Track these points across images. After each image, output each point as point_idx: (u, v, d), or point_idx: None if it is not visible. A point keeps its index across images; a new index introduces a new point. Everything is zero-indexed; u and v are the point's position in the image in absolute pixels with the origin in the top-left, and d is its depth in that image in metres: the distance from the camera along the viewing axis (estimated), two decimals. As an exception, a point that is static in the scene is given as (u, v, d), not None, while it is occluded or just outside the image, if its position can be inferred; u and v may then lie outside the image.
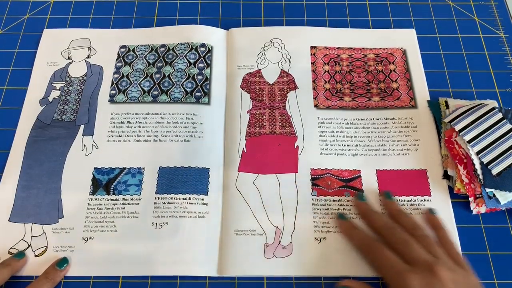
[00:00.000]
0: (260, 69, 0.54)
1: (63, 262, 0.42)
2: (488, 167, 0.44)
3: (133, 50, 0.56)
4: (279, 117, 0.51)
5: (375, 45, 0.56)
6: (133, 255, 0.43)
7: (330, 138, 0.50)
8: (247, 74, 0.54)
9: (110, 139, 0.50)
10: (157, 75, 0.54)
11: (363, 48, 0.55)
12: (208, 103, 0.52)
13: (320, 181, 0.47)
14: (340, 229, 0.44)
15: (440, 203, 0.46)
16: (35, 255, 0.44)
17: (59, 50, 0.56)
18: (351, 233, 0.42)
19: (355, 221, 0.44)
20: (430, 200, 0.46)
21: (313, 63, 0.54)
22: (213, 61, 0.54)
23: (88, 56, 0.56)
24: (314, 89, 0.53)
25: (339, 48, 0.55)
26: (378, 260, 0.38)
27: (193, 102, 0.52)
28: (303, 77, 0.53)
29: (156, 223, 0.45)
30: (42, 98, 0.53)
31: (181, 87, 0.53)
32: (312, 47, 0.55)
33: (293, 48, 0.56)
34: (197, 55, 0.55)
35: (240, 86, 0.53)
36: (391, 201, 0.44)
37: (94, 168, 0.48)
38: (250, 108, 0.51)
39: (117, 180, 0.48)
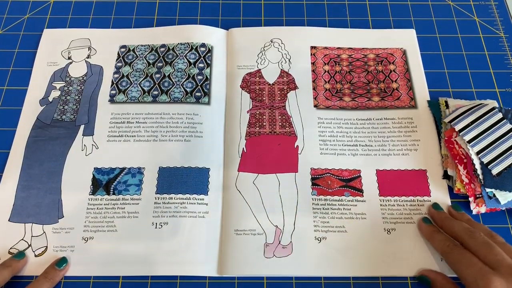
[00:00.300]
0: (260, 69, 0.54)
1: (62, 262, 0.42)
2: (488, 167, 0.44)
3: (133, 50, 0.56)
4: (279, 117, 0.51)
5: (375, 45, 0.56)
6: (133, 255, 0.43)
7: (330, 138, 0.50)
8: (247, 74, 0.54)
9: (110, 139, 0.50)
10: (157, 75, 0.54)
11: (363, 48, 0.55)
12: (208, 103, 0.52)
13: (320, 180, 0.47)
14: (422, 233, 0.44)
15: (440, 203, 0.46)
16: (35, 255, 0.44)
17: (59, 50, 0.56)
18: (433, 236, 0.42)
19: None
20: (430, 201, 0.46)
21: (313, 63, 0.54)
22: (213, 61, 0.54)
23: (88, 56, 0.56)
24: (314, 89, 0.53)
25: (339, 48, 0.55)
26: (459, 261, 0.38)
27: (193, 102, 0.52)
28: (303, 77, 0.53)
29: (156, 223, 0.45)
30: (42, 98, 0.53)
31: (181, 87, 0.53)
32: (312, 47, 0.55)
33: (293, 48, 0.55)
34: (197, 55, 0.55)
35: (240, 86, 0.53)
36: (463, 213, 0.44)
37: (94, 168, 0.48)
38: (250, 108, 0.51)
39: (117, 180, 0.48)
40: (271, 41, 0.56)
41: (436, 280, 0.40)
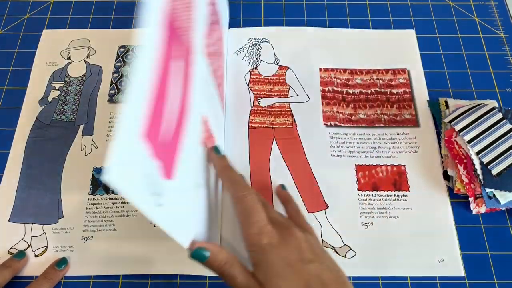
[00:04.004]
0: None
1: (62, 262, 0.42)
2: (488, 167, 0.44)
3: (132, 50, 0.56)
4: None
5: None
6: (133, 254, 0.43)
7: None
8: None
9: (109, 138, 0.50)
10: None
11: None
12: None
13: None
14: (213, 165, 0.40)
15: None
16: (35, 255, 0.44)
17: (58, 50, 0.56)
18: (224, 171, 0.39)
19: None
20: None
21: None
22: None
23: (88, 56, 0.56)
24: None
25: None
26: (245, 210, 0.36)
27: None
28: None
29: (156, 223, 0.45)
30: (42, 98, 0.53)
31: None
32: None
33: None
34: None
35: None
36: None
37: (94, 168, 0.48)
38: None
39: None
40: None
41: (213, 250, 0.34)
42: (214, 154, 0.40)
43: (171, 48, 0.30)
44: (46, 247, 0.44)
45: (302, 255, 0.34)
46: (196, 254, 0.33)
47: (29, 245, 0.44)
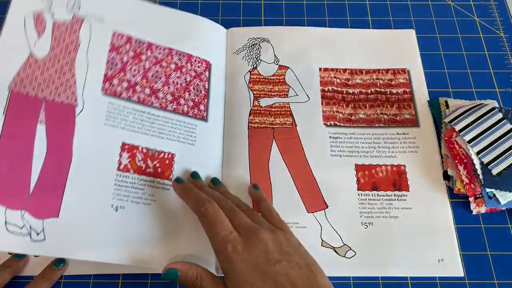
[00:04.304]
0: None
1: (60, 262, 0.42)
2: (488, 167, 0.44)
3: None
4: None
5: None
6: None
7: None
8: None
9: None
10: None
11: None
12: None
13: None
14: (176, 192, 0.43)
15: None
16: (34, 255, 0.44)
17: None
18: (188, 193, 0.41)
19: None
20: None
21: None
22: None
23: None
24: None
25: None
26: (216, 223, 0.37)
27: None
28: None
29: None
30: None
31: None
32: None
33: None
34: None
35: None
36: (218, 186, 0.45)
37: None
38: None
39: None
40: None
41: (183, 270, 0.37)
42: (174, 183, 0.44)
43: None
44: None
45: (269, 256, 0.35)
46: (167, 275, 0.36)
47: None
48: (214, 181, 0.46)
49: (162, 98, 0.49)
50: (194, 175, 0.45)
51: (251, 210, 0.42)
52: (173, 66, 0.51)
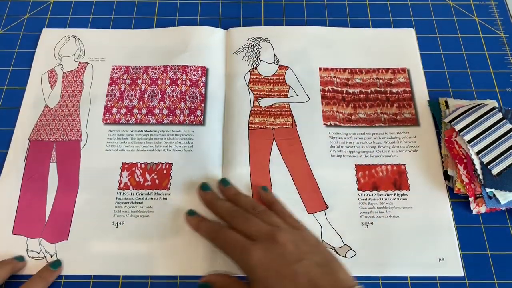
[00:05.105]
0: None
1: (56, 263, 0.42)
2: (488, 167, 0.44)
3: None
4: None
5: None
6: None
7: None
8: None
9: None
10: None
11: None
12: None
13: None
14: (190, 225, 0.43)
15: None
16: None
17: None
18: (198, 226, 0.42)
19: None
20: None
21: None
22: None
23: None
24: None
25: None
26: (223, 242, 0.39)
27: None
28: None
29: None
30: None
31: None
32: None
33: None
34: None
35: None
36: (228, 187, 0.45)
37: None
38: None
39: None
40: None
41: (216, 282, 0.39)
42: (187, 216, 0.44)
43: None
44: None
45: (288, 257, 0.35)
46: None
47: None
48: (224, 182, 0.46)
49: (158, 114, 0.51)
50: (205, 187, 0.45)
51: (266, 211, 0.41)
52: (168, 81, 0.52)
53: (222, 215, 0.42)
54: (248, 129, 0.50)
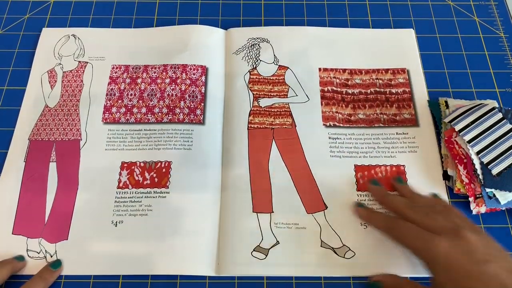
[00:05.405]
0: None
1: (56, 263, 0.42)
2: (488, 167, 0.44)
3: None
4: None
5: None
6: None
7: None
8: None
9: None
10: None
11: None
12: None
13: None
14: (361, 218, 0.44)
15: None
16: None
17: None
18: (371, 217, 0.43)
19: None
20: None
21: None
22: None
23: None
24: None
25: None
26: (403, 234, 0.39)
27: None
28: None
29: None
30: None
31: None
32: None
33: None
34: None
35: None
36: (404, 185, 0.45)
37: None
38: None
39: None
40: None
41: (387, 282, 0.39)
42: (357, 208, 0.45)
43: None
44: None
45: (476, 257, 0.34)
46: (371, 286, 0.39)
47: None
48: (399, 181, 0.46)
49: (158, 113, 0.51)
50: (374, 182, 0.46)
51: (447, 208, 0.40)
52: (167, 80, 0.52)
53: (398, 208, 0.41)
54: (248, 129, 0.50)
